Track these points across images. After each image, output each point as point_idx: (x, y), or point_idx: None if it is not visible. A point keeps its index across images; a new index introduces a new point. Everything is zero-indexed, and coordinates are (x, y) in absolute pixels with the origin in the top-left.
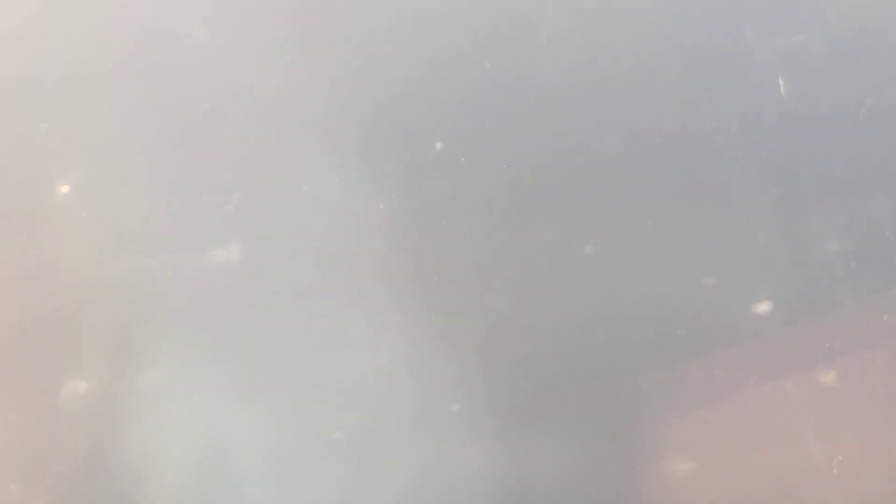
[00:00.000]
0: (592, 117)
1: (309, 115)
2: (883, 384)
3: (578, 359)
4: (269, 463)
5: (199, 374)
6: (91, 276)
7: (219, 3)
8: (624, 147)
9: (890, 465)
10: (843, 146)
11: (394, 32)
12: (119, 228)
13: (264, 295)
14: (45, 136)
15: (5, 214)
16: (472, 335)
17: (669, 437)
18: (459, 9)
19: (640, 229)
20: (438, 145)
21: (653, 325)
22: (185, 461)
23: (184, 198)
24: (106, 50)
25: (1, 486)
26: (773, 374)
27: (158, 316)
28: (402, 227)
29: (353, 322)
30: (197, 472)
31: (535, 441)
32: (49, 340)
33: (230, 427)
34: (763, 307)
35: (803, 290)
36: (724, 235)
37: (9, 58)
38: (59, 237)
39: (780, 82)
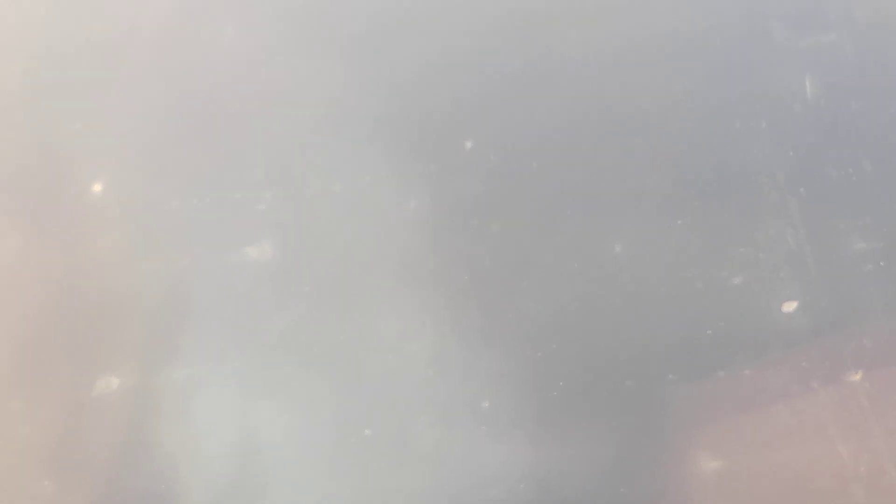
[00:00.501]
0: (622, 117)
1: (340, 114)
2: None
3: (607, 357)
4: (300, 459)
5: (230, 371)
6: (123, 273)
7: (251, 2)
8: (653, 146)
9: None
10: (870, 146)
11: (423, 32)
12: (151, 226)
13: (295, 292)
14: (77, 135)
15: (39, 213)
16: (501, 333)
17: (697, 436)
18: (489, 7)
19: (669, 228)
20: (468, 144)
21: (681, 325)
22: (217, 457)
23: (215, 196)
24: (138, 49)
25: (34, 483)
26: (800, 374)
27: (190, 313)
28: (433, 226)
29: (384, 319)
30: (228, 467)
31: (564, 439)
32: (81, 337)
33: (261, 423)
34: (791, 306)
35: (831, 290)
36: (753, 235)
37: (42, 58)
38: (92, 235)
39: (807, 82)
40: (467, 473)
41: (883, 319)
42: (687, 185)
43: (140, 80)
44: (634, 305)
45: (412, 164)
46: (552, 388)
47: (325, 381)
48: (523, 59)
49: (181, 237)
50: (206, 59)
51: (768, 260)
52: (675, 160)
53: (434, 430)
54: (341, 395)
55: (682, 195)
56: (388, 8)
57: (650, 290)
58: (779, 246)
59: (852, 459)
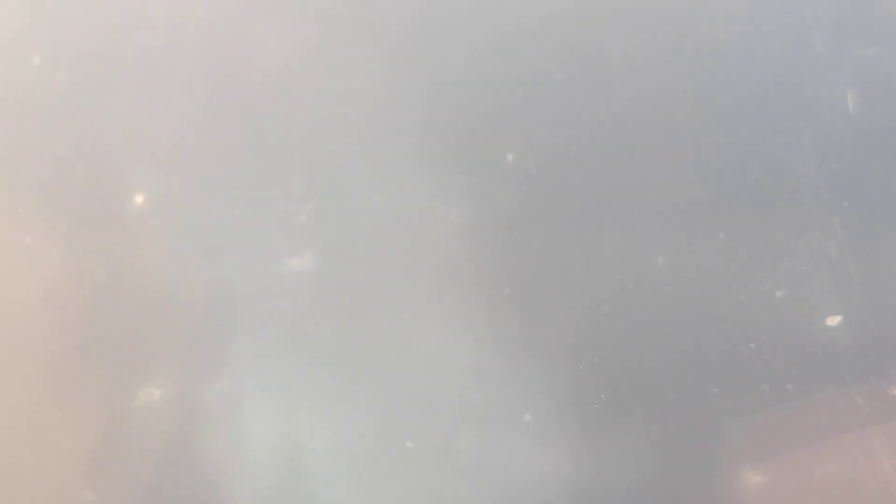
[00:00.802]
0: (664, 129)
1: (381, 125)
2: None
3: (650, 370)
4: (342, 470)
5: (272, 382)
6: (165, 284)
7: (295, 14)
8: (695, 159)
9: None
10: None
11: (464, 43)
12: (193, 238)
13: (337, 304)
14: (120, 146)
15: (81, 224)
16: (543, 346)
17: (740, 450)
18: (531, 22)
19: (711, 241)
20: (510, 157)
21: (724, 338)
22: (258, 467)
23: (257, 207)
24: (182, 60)
25: (76, 493)
26: (844, 388)
27: (232, 324)
28: (473, 238)
29: (425, 331)
30: (269, 477)
31: (605, 452)
32: (123, 347)
33: (302, 434)
34: (835, 320)
35: (875, 304)
36: (795, 248)
37: (85, 68)
38: (134, 246)
39: (849, 96)
40: (507, 486)
41: None
42: (730, 197)
43: (182, 90)
44: (677, 318)
45: (453, 176)
46: (594, 401)
47: (366, 392)
48: (564, 71)
49: (223, 248)
50: (248, 69)
51: (812, 273)
52: (718, 173)
53: (475, 442)
54: (383, 405)
55: (724, 208)
56: (429, 18)
57: (693, 303)
58: (822, 259)
59: None
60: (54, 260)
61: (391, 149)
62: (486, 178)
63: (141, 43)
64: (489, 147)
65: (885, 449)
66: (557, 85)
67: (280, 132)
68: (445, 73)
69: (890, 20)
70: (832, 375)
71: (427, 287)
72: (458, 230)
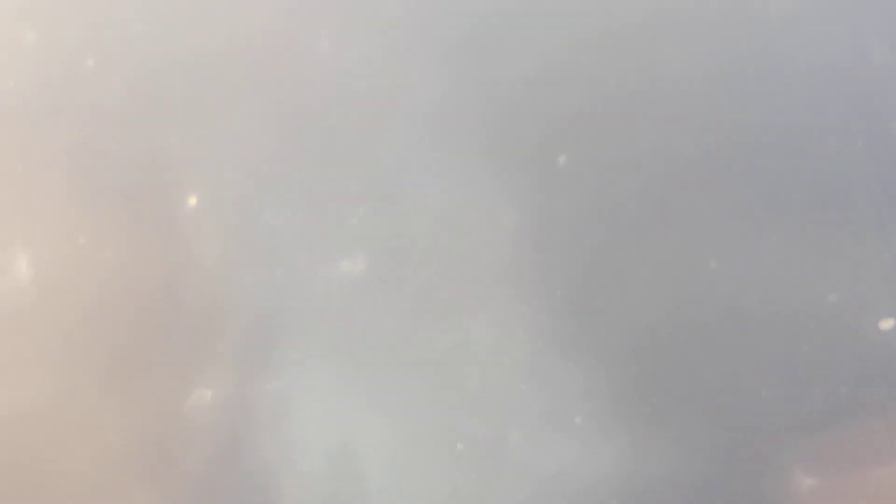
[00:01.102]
0: (716, 131)
1: (433, 128)
2: None
3: (702, 372)
4: (393, 471)
5: (323, 383)
6: (217, 286)
7: (345, 15)
8: (748, 162)
9: None
10: None
11: (517, 46)
12: (245, 240)
13: (389, 306)
14: (174, 148)
15: (135, 225)
16: (595, 349)
17: (792, 453)
18: (582, 22)
19: (763, 244)
20: (562, 159)
21: (776, 341)
22: (310, 469)
23: (309, 210)
24: (234, 63)
25: (126, 493)
26: None
27: (284, 325)
28: (526, 241)
29: (477, 334)
30: (321, 479)
31: (657, 456)
32: (176, 349)
33: (354, 435)
34: (888, 324)
35: None
36: (848, 251)
37: (141, 73)
38: (186, 248)
39: (889, 106)
40: (558, 490)
41: None
42: (783, 201)
43: (235, 93)
44: (729, 321)
45: (505, 179)
46: (645, 405)
47: (416, 394)
48: (618, 74)
49: (274, 251)
50: (301, 72)
51: (865, 276)
52: (771, 176)
53: (525, 444)
54: (434, 408)
55: (777, 211)
56: (483, 22)
57: (745, 306)
58: (876, 263)
59: None
60: (107, 261)
61: (444, 151)
62: (538, 180)
63: (196, 46)
64: (541, 150)
65: None
66: (609, 87)
67: (333, 135)
68: (498, 77)
69: None
70: (885, 379)
71: (478, 289)
72: (510, 233)
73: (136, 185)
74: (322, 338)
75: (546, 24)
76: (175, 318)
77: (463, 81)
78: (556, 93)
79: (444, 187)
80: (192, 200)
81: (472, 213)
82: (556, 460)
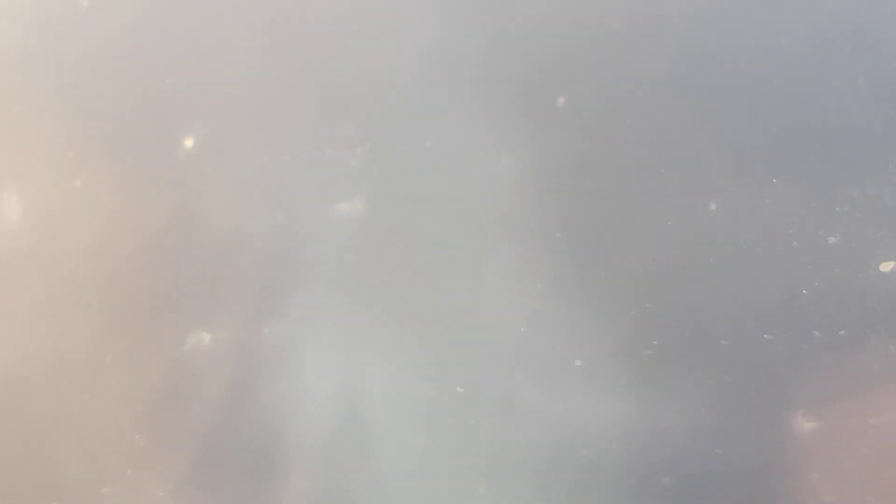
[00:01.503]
0: (717, 74)
1: (432, 70)
2: None
3: (702, 316)
4: (395, 413)
5: (323, 326)
6: (215, 229)
7: None
8: (749, 104)
9: None
10: None
11: None
12: (242, 183)
13: (387, 249)
14: (170, 90)
15: (132, 168)
16: (595, 292)
17: (793, 396)
18: None
19: (764, 187)
20: (561, 100)
21: (776, 284)
22: (310, 412)
23: (307, 152)
24: (234, 5)
25: (126, 437)
26: None
27: (283, 268)
28: (525, 183)
29: (477, 277)
30: (323, 422)
31: (658, 399)
32: (173, 293)
33: (355, 378)
34: (888, 266)
35: None
36: (849, 194)
37: (135, 11)
38: (184, 192)
39: (891, 47)
40: (560, 433)
41: None
42: (783, 143)
43: (232, 35)
44: (729, 264)
45: (504, 121)
46: (646, 347)
47: (417, 337)
48: (617, 15)
49: (272, 194)
50: (299, 15)
51: (865, 219)
52: (771, 118)
53: (527, 387)
54: (435, 350)
55: (777, 154)
56: None
57: (745, 249)
58: (876, 205)
59: None
60: (104, 204)
61: (442, 94)
62: (538, 122)
63: None
64: (539, 91)
65: None
66: (611, 31)
67: (331, 77)
68: (495, 19)
69: None
70: (885, 322)
71: (478, 232)
72: (509, 175)
73: (132, 127)
74: (321, 281)
75: None
76: (172, 261)
77: (461, 24)
78: (555, 33)
79: (442, 130)
80: (189, 142)
81: (470, 155)
82: (557, 403)
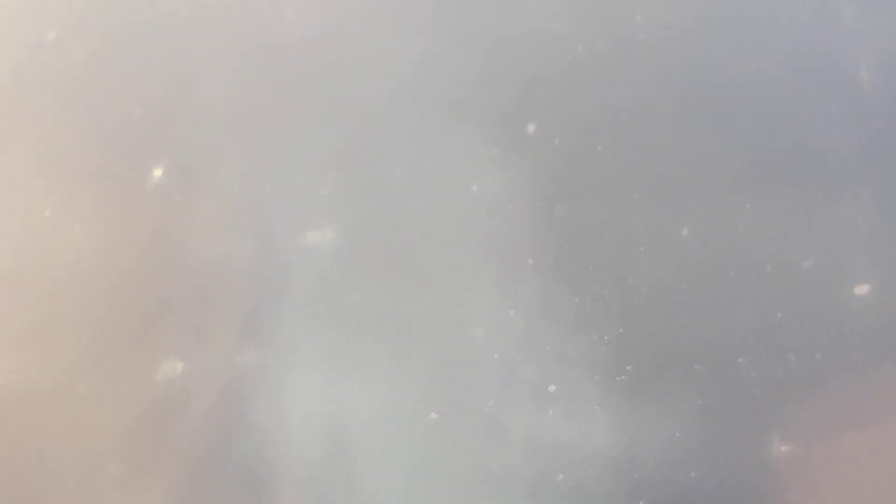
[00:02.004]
0: (689, 98)
1: (400, 98)
2: None
3: (675, 341)
4: (370, 438)
5: (296, 354)
6: (186, 258)
7: None
8: (721, 128)
9: None
10: None
11: (486, 17)
12: (212, 211)
13: (358, 277)
14: (139, 119)
15: (102, 198)
16: (567, 317)
17: (768, 420)
18: None
19: (737, 211)
20: (531, 127)
21: (751, 308)
22: (287, 439)
23: (277, 181)
24: (200, 29)
25: (101, 466)
26: (873, 356)
27: (256, 296)
28: (495, 209)
29: (447, 303)
30: (299, 449)
31: (633, 423)
32: (145, 321)
33: (331, 404)
34: (863, 289)
35: None
36: (823, 218)
37: (102, 41)
38: (154, 221)
39: (876, 65)
40: (534, 458)
41: None
42: (756, 167)
43: (201, 62)
44: (703, 288)
45: (475, 148)
46: (620, 373)
47: (390, 363)
48: (586, 41)
49: (243, 222)
50: (267, 39)
51: (839, 242)
52: (744, 142)
53: (502, 414)
54: (407, 377)
55: (750, 178)
56: None
57: (718, 273)
58: (850, 228)
59: None
60: (75, 233)
61: (410, 121)
62: (508, 148)
63: (160, 13)
64: (510, 117)
65: None
66: (580, 55)
67: (301, 104)
68: (465, 45)
69: None
70: (860, 344)
71: (450, 259)
72: (479, 201)
73: (101, 157)
74: (293, 309)
75: None
76: (143, 290)
77: (431, 50)
78: (524, 59)
79: (412, 157)
80: (158, 172)
81: (441, 182)
82: (531, 429)
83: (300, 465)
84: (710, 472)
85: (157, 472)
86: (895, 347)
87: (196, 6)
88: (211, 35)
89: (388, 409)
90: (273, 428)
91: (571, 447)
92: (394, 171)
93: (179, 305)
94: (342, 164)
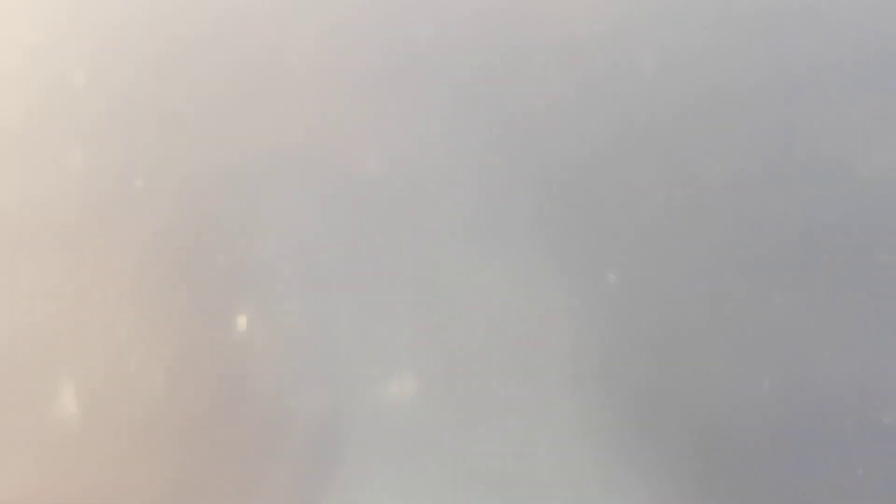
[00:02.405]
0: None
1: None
2: None
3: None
4: None
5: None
6: (267, 410)
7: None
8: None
9: None
10: None
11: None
12: (296, 362)
13: (440, 423)
14: (222, 267)
15: (185, 347)
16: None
17: None
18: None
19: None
20: (611, 277)
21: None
22: None
23: (357, 331)
24: (274, 180)
25: None
26: None
27: (337, 449)
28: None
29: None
30: None
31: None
32: (225, 476)
33: None
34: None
35: None
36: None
37: (188, 190)
38: (236, 371)
39: None
40: None
41: None
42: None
43: (276, 210)
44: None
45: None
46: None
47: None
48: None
49: (325, 373)
50: (347, 188)
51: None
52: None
53: None
54: None
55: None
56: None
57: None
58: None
59: None
60: (158, 385)
61: (487, 259)
62: (585, 295)
63: (235, 161)
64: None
65: None
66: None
67: (380, 254)
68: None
69: None
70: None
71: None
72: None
73: (185, 305)
74: (376, 460)
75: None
76: (225, 444)
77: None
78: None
79: (492, 299)
80: (242, 320)
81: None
82: None
83: None
84: None
85: None
86: None
87: (270, 156)
88: (286, 181)
89: None
90: None
91: None
92: (475, 319)
93: (261, 458)
94: (420, 313)
